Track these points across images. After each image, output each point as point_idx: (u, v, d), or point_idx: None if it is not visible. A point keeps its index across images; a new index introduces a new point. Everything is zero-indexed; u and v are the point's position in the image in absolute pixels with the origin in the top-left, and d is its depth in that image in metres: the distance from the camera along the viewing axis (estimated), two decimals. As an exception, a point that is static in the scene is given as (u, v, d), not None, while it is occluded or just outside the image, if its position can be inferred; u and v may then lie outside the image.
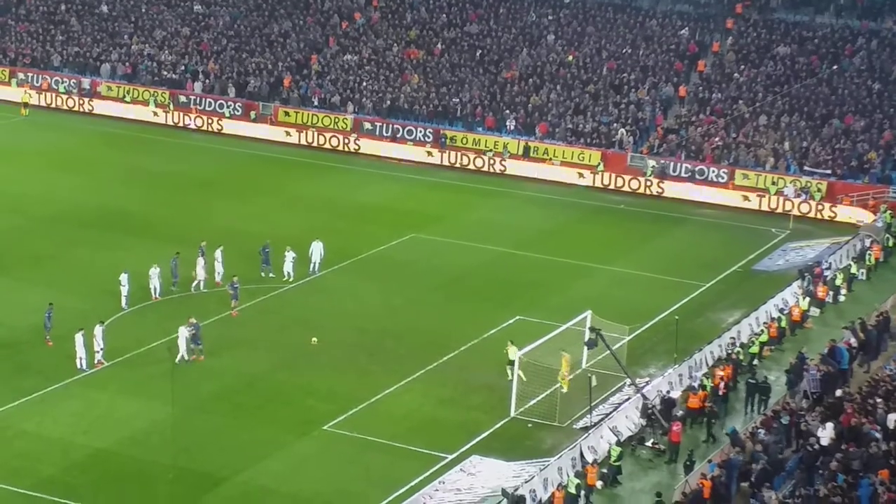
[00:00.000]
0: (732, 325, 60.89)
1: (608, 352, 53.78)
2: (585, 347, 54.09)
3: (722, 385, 53.11)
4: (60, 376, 53.33)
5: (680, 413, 51.48)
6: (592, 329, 53.08)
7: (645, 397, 51.74)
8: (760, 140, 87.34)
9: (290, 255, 65.27)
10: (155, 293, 61.37)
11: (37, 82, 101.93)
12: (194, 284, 63.21)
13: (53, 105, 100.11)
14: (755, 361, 57.14)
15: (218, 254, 63.72)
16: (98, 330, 54.64)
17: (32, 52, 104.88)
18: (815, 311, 64.28)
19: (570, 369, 53.81)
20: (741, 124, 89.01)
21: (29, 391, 51.90)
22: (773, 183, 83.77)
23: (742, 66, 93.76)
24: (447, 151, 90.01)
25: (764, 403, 53.25)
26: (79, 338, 53.89)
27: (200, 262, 63.31)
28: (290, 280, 65.09)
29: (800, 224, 79.87)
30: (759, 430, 48.02)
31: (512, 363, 53.68)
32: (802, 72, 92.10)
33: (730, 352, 56.93)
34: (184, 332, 54.88)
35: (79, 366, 53.94)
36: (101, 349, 54.62)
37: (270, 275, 65.10)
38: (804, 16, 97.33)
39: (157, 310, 60.52)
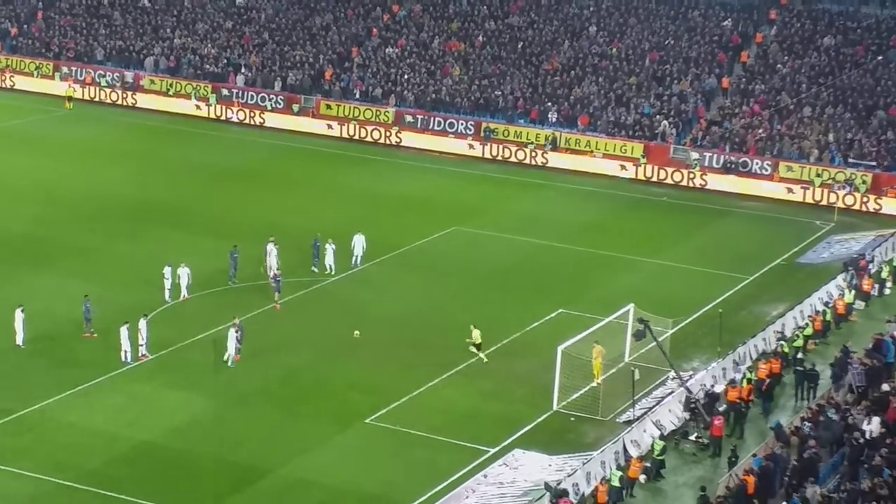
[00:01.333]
0: (776, 318, 60.53)
1: (654, 344, 53.62)
2: (633, 339, 53.87)
3: (767, 379, 52.81)
4: (104, 369, 53.57)
5: (722, 407, 51.24)
6: (640, 320, 52.88)
7: (689, 391, 51.51)
8: (805, 132, 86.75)
9: (330, 248, 65.31)
10: (184, 292, 60.82)
11: (80, 76, 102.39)
12: (272, 275, 63.06)
13: (97, 99, 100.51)
14: (799, 355, 56.77)
15: (270, 247, 63.73)
16: (142, 323, 54.86)
17: (76, 45, 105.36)
18: (860, 305, 63.83)
19: (602, 360, 53.69)
20: (785, 116, 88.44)
21: (73, 384, 52.17)
22: (818, 175, 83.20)
23: (786, 57, 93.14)
24: (489, 144, 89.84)
25: (813, 391, 53.02)
26: (123, 331, 54.13)
27: (273, 251, 63.37)
28: (332, 273, 65.13)
29: (844, 216, 79.33)
30: (805, 425, 47.71)
31: (477, 346, 54.97)
32: (847, 62, 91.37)
33: (776, 346, 56.54)
34: (233, 334, 54.80)
35: (123, 359, 54.17)
36: (145, 342, 54.85)
37: (317, 269, 65.15)
38: (849, 6, 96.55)
39: (201, 303, 60.66)
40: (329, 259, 65.18)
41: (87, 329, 56.63)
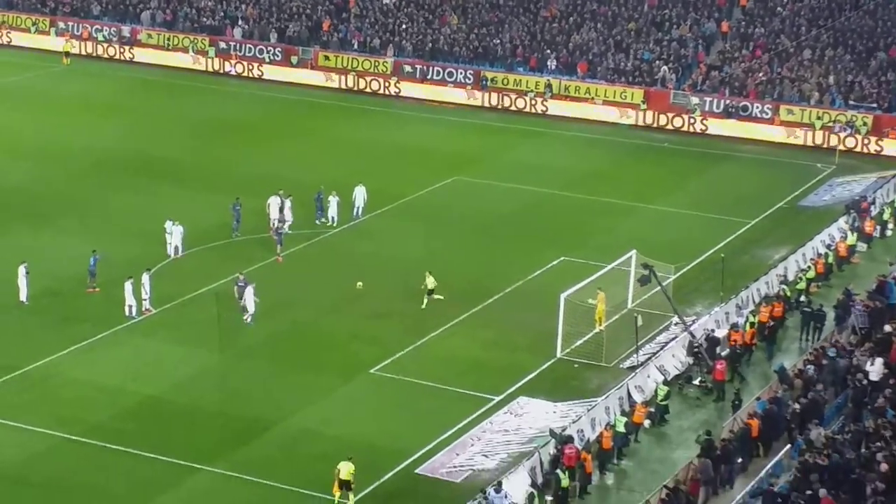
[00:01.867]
0: (779, 261, 60.54)
1: (657, 290, 53.69)
2: (638, 284, 53.79)
3: (769, 322, 52.89)
4: (108, 324, 53.61)
5: (725, 351, 51.34)
6: (645, 265, 52.88)
7: (692, 335, 51.57)
8: (805, 74, 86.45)
9: (334, 200, 65.26)
10: (176, 252, 60.51)
11: (77, 31, 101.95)
12: (287, 226, 63.28)
13: (94, 53, 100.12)
14: (802, 298, 56.85)
15: (271, 201, 63.60)
16: (145, 277, 54.89)
17: (72, 0, 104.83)
18: (862, 247, 63.86)
19: (605, 307, 53.74)
20: (785, 59, 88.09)
21: (77, 339, 52.24)
22: (819, 118, 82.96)
23: (785, 0, 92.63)
24: (488, 92, 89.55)
25: (819, 332, 53.13)
26: (128, 286, 54.14)
27: (287, 204, 63.48)
28: (335, 225, 65.08)
29: (845, 159, 79.16)
30: (808, 367, 47.80)
31: (430, 291, 55.24)
32: (847, 4, 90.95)
33: (778, 290, 56.56)
34: (250, 292, 54.50)
35: (127, 313, 54.22)
36: (148, 297, 54.89)
37: (324, 220, 65.10)
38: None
39: (203, 257, 60.63)
40: (332, 211, 65.12)
41: (90, 284, 56.61)
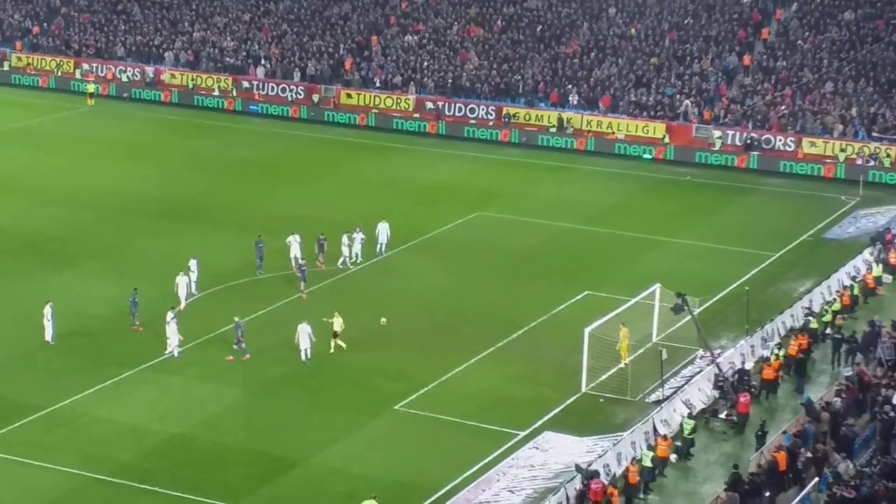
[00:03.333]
0: (804, 294, 60.32)
1: (682, 323, 53.67)
2: (672, 312, 53.39)
3: (797, 355, 52.69)
4: (134, 363, 53.73)
5: (752, 384, 51.18)
6: (678, 294, 52.67)
7: (719, 368, 51.38)
8: (827, 107, 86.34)
9: (358, 237, 65.33)
10: (193, 288, 60.40)
11: (101, 72, 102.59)
12: (340, 261, 64.01)
13: (118, 95, 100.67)
14: (828, 330, 56.65)
15: (291, 240, 63.70)
16: (170, 316, 55.03)
17: (96, 42, 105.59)
18: (887, 278, 63.61)
19: (628, 342, 53.64)
20: (807, 92, 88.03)
21: (104, 378, 52.35)
22: (842, 150, 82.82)
23: (806, 33, 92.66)
24: (510, 128, 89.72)
25: (851, 357, 52.84)
26: (171, 325, 54.27)
27: (344, 240, 64.21)
28: (359, 261, 65.13)
29: (870, 190, 78.92)
30: (835, 400, 47.58)
31: (335, 334, 54.74)
32: (868, 37, 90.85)
33: (804, 322, 56.38)
34: (305, 329, 54.50)
35: (168, 350, 54.36)
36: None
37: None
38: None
39: (228, 295, 60.73)
40: (357, 248, 65.16)
41: (133, 322, 56.67)
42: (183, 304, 56.42)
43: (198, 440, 48.10)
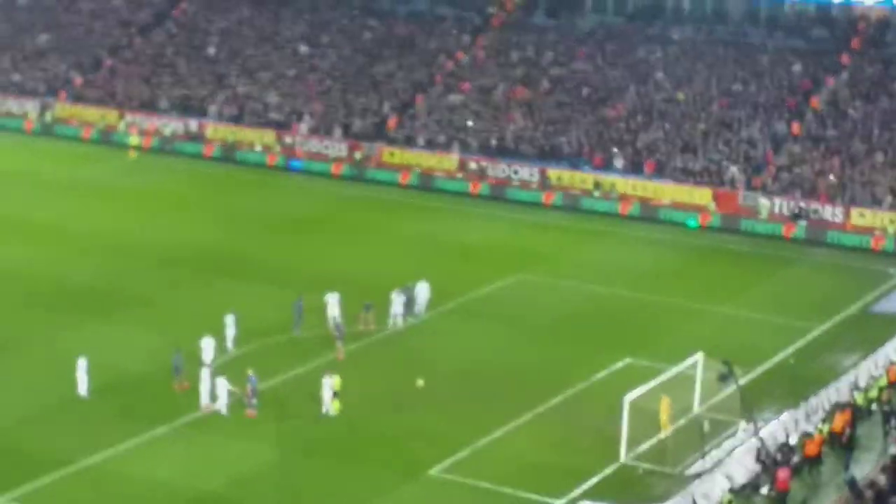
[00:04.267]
0: (849, 368, 59.26)
1: (726, 393, 52.73)
2: (718, 381, 52.31)
3: (842, 431, 51.59)
4: (167, 419, 53.19)
5: (795, 460, 50.08)
6: (725, 362, 51.67)
7: (761, 441, 50.33)
8: (877, 178, 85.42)
9: (399, 298, 64.59)
10: (230, 343, 60.08)
11: (144, 125, 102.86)
12: (391, 323, 63.75)
13: (161, 148, 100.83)
14: (874, 406, 55.51)
15: (329, 298, 63.12)
16: (205, 372, 54.49)
17: (140, 94, 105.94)
18: (935, 354, 62.41)
19: (669, 412, 52.70)
20: (857, 161, 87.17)
21: (135, 434, 51.80)
22: (892, 221, 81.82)
23: (857, 102, 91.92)
24: (554, 191, 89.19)
25: None
26: (221, 381, 53.73)
27: (396, 299, 63.79)
28: (399, 323, 64.47)
29: (918, 264, 78.03)
30: (880, 477, 46.41)
31: (335, 394, 53.85)
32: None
33: (850, 398, 55.28)
34: (329, 383, 54.33)
35: (218, 407, 53.92)
36: (208, 391, 54.44)
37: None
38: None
39: (264, 352, 60.15)
40: (398, 308, 64.45)
41: (178, 380, 56.07)
42: (206, 367, 55.57)
43: (229, 499, 47.46)
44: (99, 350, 57.55)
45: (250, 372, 54.53)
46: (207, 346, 57.07)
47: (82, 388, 54.94)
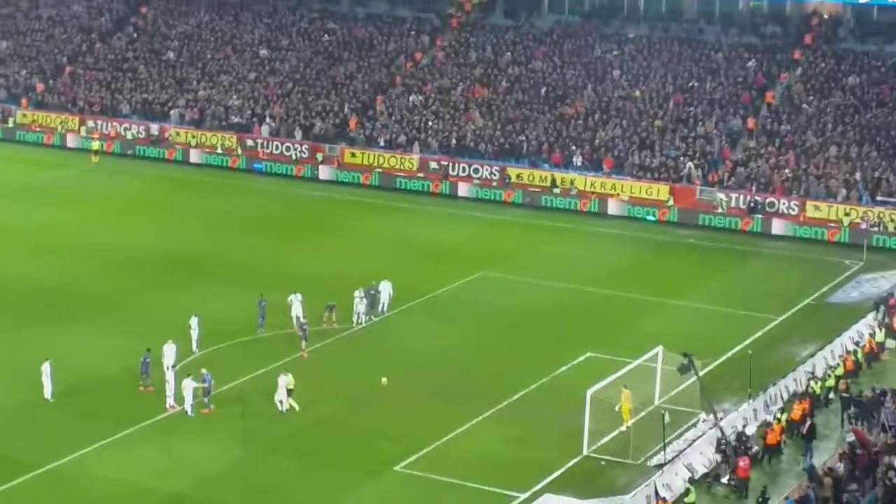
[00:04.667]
0: (807, 358, 60.10)
1: (685, 386, 53.53)
2: (678, 373, 52.95)
3: (801, 420, 52.40)
4: (133, 421, 53.41)
5: (754, 449, 50.88)
6: (685, 354, 52.40)
7: (722, 431, 51.08)
8: (831, 171, 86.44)
9: (361, 297, 65.06)
10: (194, 346, 60.44)
11: (106, 129, 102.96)
12: (354, 322, 64.16)
13: (122, 152, 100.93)
14: (831, 395, 56.43)
15: (292, 298, 63.52)
16: (170, 374, 54.81)
17: (101, 99, 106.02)
18: (891, 343, 63.34)
19: (630, 404, 53.37)
20: (811, 155, 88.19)
21: (102, 436, 51.98)
22: (846, 214, 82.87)
23: (811, 97, 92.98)
24: (514, 189, 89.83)
25: (864, 421, 52.51)
26: (187, 381, 54.09)
27: (358, 298, 64.08)
28: (363, 322, 64.94)
29: (873, 255, 78.81)
30: (838, 465, 47.26)
31: (289, 392, 54.41)
32: (873, 101, 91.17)
33: (807, 387, 56.13)
34: (284, 381, 54.83)
35: (189, 411, 54.26)
36: (173, 393, 54.78)
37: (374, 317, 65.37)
38: (873, 45, 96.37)
39: (229, 353, 60.52)
40: (360, 307, 64.88)
41: (143, 382, 56.35)
42: (169, 370, 55.82)
43: (197, 499, 47.72)
44: (63, 353, 57.74)
45: (204, 371, 54.94)
46: (169, 351, 56.84)
47: (48, 391, 55.16)
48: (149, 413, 54.12)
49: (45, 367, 55.16)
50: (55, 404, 54.94)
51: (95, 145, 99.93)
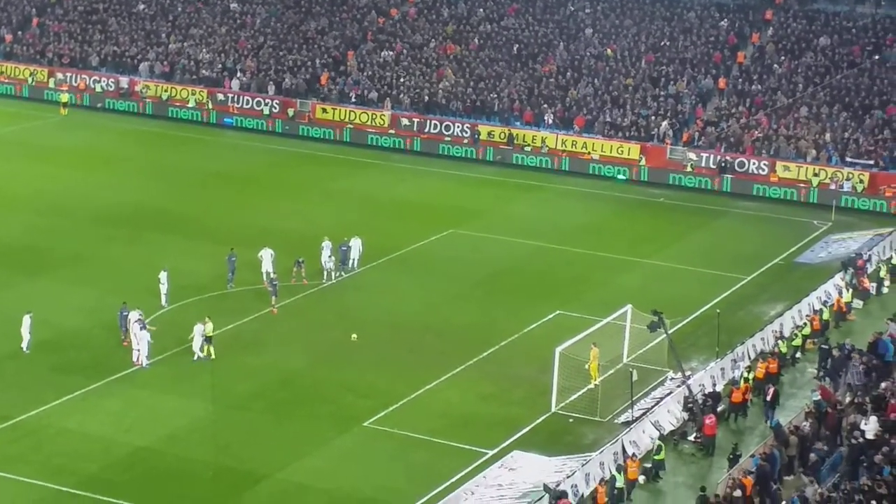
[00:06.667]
0: (775, 317, 60.43)
1: (653, 344, 53.90)
2: (648, 330, 53.16)
3: (765, 378, 52.75)
4: (101, 375, 53.41)
5: (721, 407, 51.22)
6: (655, 312, 52.61)
7: (689, 390, 51.38)
8: (801, 131, 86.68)
9: (327, 247, 65.03)
10: (163, 300, 60.56)
11: (75, 82, 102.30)
12: (325, 275, 64.23)
13: (92, 105, 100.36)
14: (798, 354, 56.82)
15: (263, 254, 63.42)
16: (136, 328, 54.78)
17: (71, 51, 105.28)
18: (858, 304, 63.75)
19: (599, 362, 53.61)
20: (782, 115, 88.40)
21: (71, 389, 52.02)
22: (815, 174, 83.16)
23: (782, 58, 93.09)
24: (485, 146, 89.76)
25: (830, 378, 53.00)
26: (144, 334, 54.10)
27: (326, 252, 64.00)
28: (332, 277, 64.95)
29: (842, 215, 79.20)
30: (804, 423, 47.61)
31: (209, 339, 55.05)
32: (843, 62, 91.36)
33: (774, 346, 56.45)
34: (200, 330, 55.05)
35: (134, 359, 54.26)
36: (144, 350, 54.77)
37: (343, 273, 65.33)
38: (844, 6, 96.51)
39: (198, 307, 60.41)
40: (328, 263, 64.84)
41: (125, 336, 56.13)
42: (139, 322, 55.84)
43: (164, 453, 47.79)
44: (31, 307, 57.32)
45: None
46: (133, 316, 56.16)
47: (25, 343, 55.07)
48: (118, 368, 54.05)
49: (26, 320, 55.04)
50: (25, 357, 54.85)
51: (64, 98, 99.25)
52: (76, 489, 44.95)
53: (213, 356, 55.05)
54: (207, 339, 55.17)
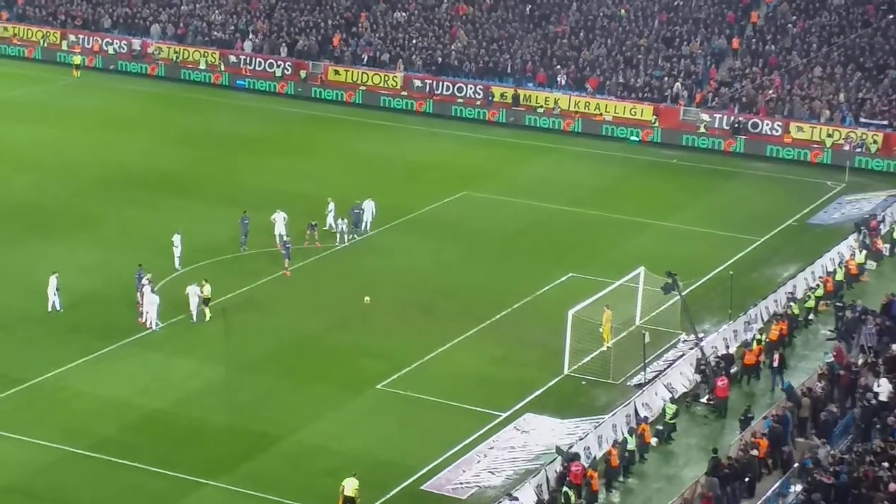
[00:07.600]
0: (788, 279, 60.38)
1: (666, 306, 53.93)
2: (662, 292, 53.19)
3: (778, 340, 52.78)
4: (116, 337, 53.58)
5: (734, 369, 51.27)
6: (669, 273, 52.56)
7: (702, 352, 51.42)
8: (815, 92, 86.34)
9: (331, 208, 65.16)
10: (176, 263, 60.64)
11: (87, 44, 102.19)
12: (338, 238, 64.36)
13: (104, 67, 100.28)
14: (811, 316, 56.80)
15: (276, 216, 63.44)
16: (147, 290, 54.91)
17: (83, 14, 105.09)
18: (871, 265, 63.71)
19: (611, 324, 53.63)
20: (795, 76, 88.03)
21: (85, 352, 52.22)
22: (829, 135, 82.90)
23: (796, 18, 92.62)
24: (498, 108, 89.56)
25: (844, 340, 52.95)
26: (153, 297, 54.29)
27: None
28: (344, 239, 65.05)
29: (855, 176, 78.97)
30: (816, 385, 47.65)
31: (207, 301, 55.22)
32: (858, 22, 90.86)
33: (786, 308, 56.42)
34: (194, 291, 55.20)
35: (148, 324, 54.49)
36: (153, 313, 54.88)
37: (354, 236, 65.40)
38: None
39: (211, 270, 60.49)
40: (340, 225, 64.90)
41: (140, 299, 56.06)
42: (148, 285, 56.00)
43: (179, 416, 47.99)
44: (45, 269, 57.48)
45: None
46: (146, 281, 56.39)
47: (54, 303, 55.38)
48: (131, 330, 54.22)
49: (52, 280, 55.28)
50: (39, 319, 54.95)
51: (77, 60, 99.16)
52: (91, 451, 45.16)
53: (207, 318, 55.07)
54: (205, 302, 55.21)
